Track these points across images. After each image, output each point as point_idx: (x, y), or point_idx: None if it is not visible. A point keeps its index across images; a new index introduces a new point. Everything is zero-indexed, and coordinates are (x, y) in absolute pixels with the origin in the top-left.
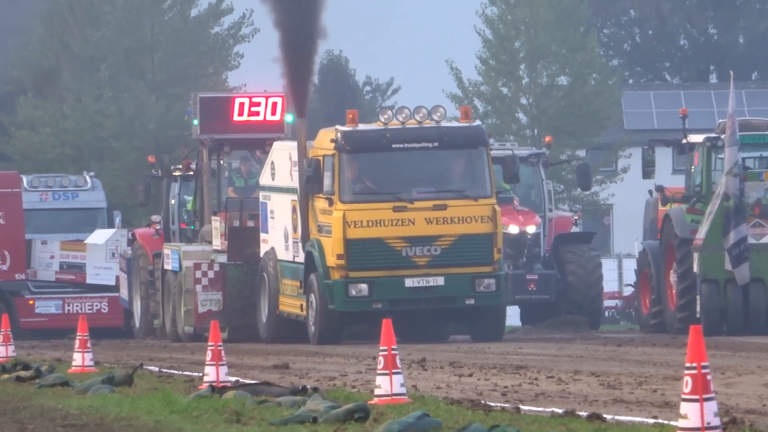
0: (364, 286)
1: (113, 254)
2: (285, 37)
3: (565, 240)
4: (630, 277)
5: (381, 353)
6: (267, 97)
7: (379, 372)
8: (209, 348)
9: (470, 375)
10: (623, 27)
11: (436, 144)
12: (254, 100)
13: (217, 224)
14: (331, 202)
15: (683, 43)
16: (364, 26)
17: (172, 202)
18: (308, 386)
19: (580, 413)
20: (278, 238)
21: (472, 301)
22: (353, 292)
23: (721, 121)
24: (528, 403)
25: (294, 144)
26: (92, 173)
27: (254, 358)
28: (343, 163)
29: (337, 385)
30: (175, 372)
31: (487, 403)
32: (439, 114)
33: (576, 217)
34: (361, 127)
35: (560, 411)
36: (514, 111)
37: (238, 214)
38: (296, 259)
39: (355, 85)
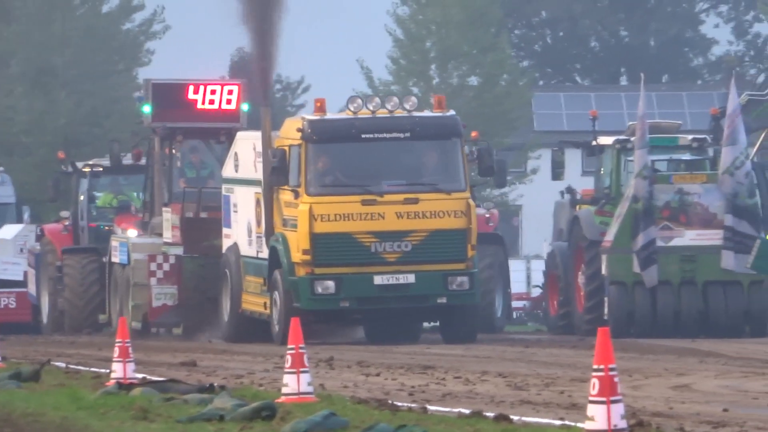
0: (330, 284)
1: (21, 249)
2: (252, 22)
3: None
4: (538, 278)
5: (288, 351)
6: (223, 85)
7: (286, 370)
8: (117, 345)
9: (378, 374)
10: (534, 28)
11: (408, 134)
12: (210, 87)
13: (168, 216)
14: (296, 195)
15: (594, 45)
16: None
17: (81, 198)
18: (215, 384)
19: (487, 414)
20: (241, 233)
21: (444, 300)
22: (319, 290)
23: (631, 123)
24: (435, 403)
25: (258, 134)
26: (1, 168)
27: (162, 355)
28: (309, 154)
29: (245, 383)
30: (83, 368)
31: (394, 402)
32: (411, 103)
33: (488, 215)
34: (329, 115)
35: (467, 411)
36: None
37: (195, 206)
38: (260, 255)
39: None
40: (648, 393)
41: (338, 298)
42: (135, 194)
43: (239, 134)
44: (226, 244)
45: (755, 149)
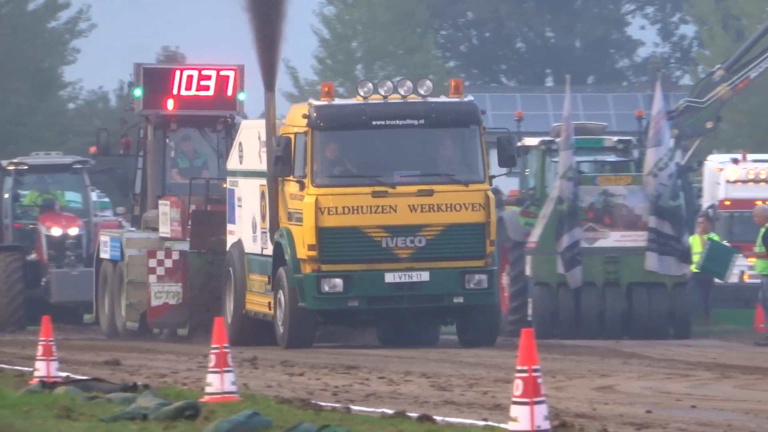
0: (338, 282)
1: None
2: (255, 3)
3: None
4: None
5: (212, 351)
6: (218, 70)
7: (210, 370)
8: (40, 343)
9: (301, 374)
10: (460, 29)
11: (423, 121)
12: (204, 73)
13: (165, 209)
14: (302, 186)
15: (520, 46)
16: (202, 21)
17: (6, 196)
18: (139, 383)
19: (411, 414)
20: (246, 229)
21: (461, 300)
22: (326, 288)
23: (556, 124)
24: (358, 403)
25: (264, 122)
26: None
27: (86, 354)
28: (316, 142)
29: (168, 383)
30: (6, 366)
31: (318, 402)
32: (426, 87)
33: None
34: (338, 101)
35: (391, 412)
36: None
37: (203, 198)
38: (264, 252)
39: None
40: (571, 394)
41: (346, 297)
42: (60, 193)
43: (244, 123)
44: (230, 240)
45: (688, 155)
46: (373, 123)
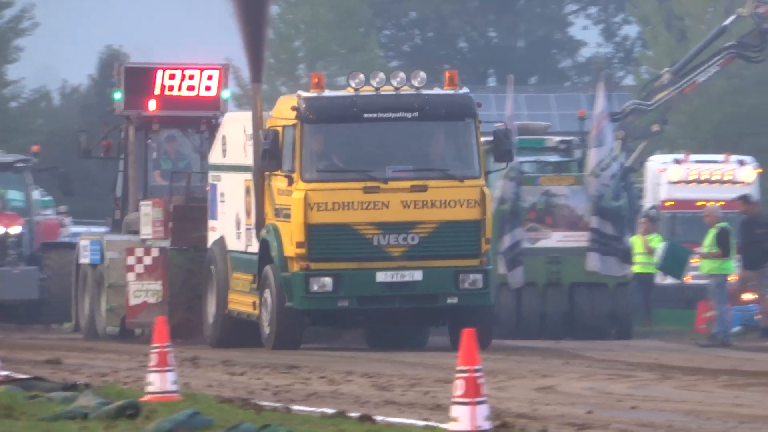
0: (328, 281)
1: None
2: None
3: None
4: None
5: (153, 350)
6: (202, 69)
7: (151, 369)
8: None
9: (242, 374)
10: (403, 28)
11: (416, 114)
12: (187, 72)
13: (148, 210)
14: (291, 181)
15: (463, 46)
16: (143, 21)
17: None
18: (80, 382)
19: (352, 414)
20: (229, 225)
21: (455, 300)
22: (315, 288)
23: (498, 124)
24: (299, 402)
25: (250, 114)
26: None
27: (26, 353)
28: (305, 135)
29: (109, 382)
30: None
31: (259, 402)
32: (419, 79)
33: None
34: (328, 93)
35: (331, 411)
36: None
37: (185, 193)
38: (249, 249)
39: None
40: (512, 394)
41: (336, 297)
42: (4, 191)
43: (228, 115)
44: (211, 237)
45: (633, 157)
46: (365, 116)
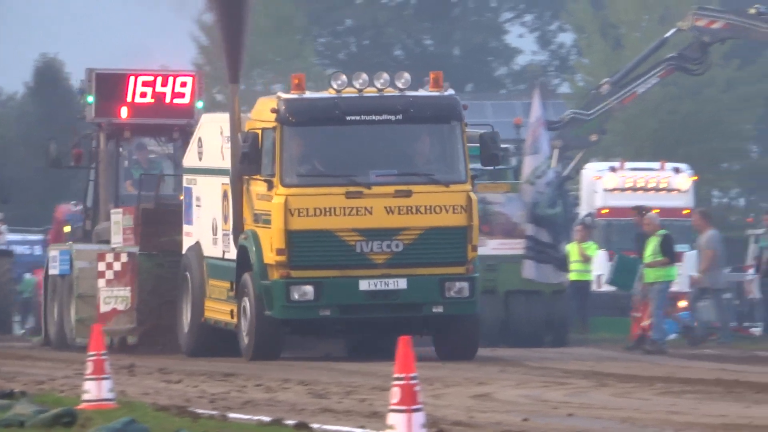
0: (309, 289)
1: None
2: None
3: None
4: None
5: (89, 358)
6: (176, 76)
7: (87, 377)
8: None
9: (179, 381)
10: (339, 36)
11: (400, 117)
12: (160, 79)
13: (118, 218)
14: (270, 186)
15: (399, 53)
16: (82, 29)
17: None
18: (16, 390)
19: (288, 422)
20: (205, 231)
21: (440, 309)
22: (296, 296)
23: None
24: (236, 410)
25: (227, 116)
26: None
27: None
28: (285, 138)
29: (46, 389)
30: None
31: (195, 410)
32: (403, 81)
33: None
34: (309, 94)
35: (268, 419)
36: None
37: (154, 195)
38: (227, 256)
39: (68, 90)
40: (449, 402)
41: (318, 305)
42: None
43: (204, 116)
44: (186, 243)
45: (570, 167)
46: (348, 118)
